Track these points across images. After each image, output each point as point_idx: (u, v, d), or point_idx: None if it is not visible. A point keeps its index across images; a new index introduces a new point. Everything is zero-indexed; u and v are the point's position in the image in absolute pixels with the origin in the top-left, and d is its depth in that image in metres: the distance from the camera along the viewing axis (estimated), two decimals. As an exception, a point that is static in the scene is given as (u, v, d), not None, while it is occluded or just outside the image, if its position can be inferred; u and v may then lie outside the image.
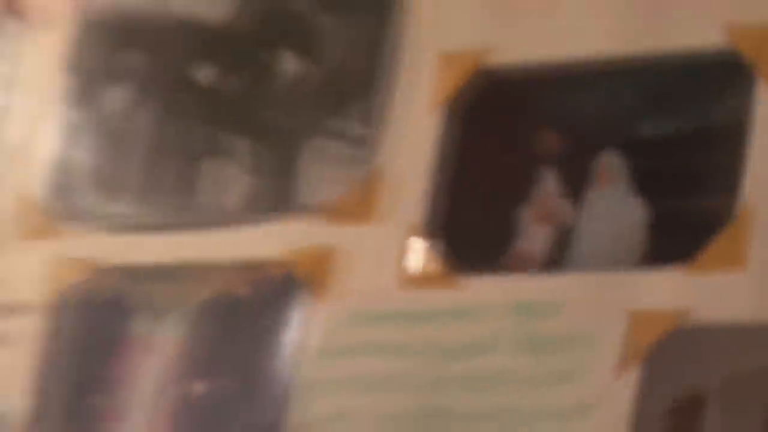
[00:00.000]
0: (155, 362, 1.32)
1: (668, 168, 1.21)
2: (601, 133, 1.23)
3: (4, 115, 1.40)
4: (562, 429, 1.18)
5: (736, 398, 1.13)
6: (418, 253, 1.26)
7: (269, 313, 1.30)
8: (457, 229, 1.27)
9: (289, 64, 1.35)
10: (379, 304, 1.27)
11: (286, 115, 1.34)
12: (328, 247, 1.29)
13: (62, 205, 1.38)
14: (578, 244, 1.22)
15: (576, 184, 1.23)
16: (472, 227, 1.26)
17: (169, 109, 1.37)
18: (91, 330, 1.35)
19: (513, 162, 1.26)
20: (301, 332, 1.28)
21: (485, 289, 1.24)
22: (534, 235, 1.24)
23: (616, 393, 1.16)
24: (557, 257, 1.22)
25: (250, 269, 1.31)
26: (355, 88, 1.32)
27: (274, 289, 1.30)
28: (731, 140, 1.17)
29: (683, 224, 1.19)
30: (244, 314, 1.31)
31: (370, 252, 1.28)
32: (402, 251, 1.27)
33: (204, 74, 1.37)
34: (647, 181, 1.21)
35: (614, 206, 1.22)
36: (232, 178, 1.33)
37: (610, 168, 1.22)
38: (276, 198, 1.32)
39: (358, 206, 1.29)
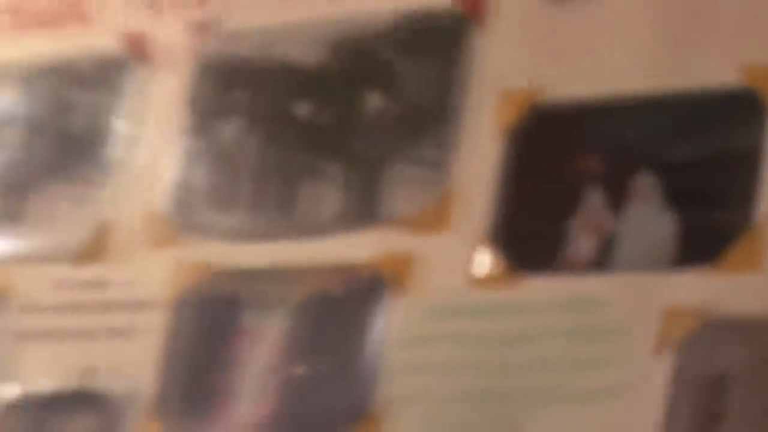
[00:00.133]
0: (263, 350, 1.33)
1: (694, 186, 1.23)
2: (637, 157, 1.25)
3: (134, 144, 1.41)
4: (607, 406, 1.19)
5: (755, 380, 1.14)
6: (483, 258, 1.28)
7: (358, 308, 1.31)
8: (517, 238, 1.28)
9: (373, 100, 1.36)
10: (451, 301, 1.29)
11: (371, 144, 1.35)
12: (408, 253, 1.30)
13: (182, 218, 1.40)
14: (619, 250, 1.23)
15: (617, 200, 1.24)
16: (529, 236, 1.28)
17: (272, 139, 1.39)
18: (208, 323, 1.37)
19: (563, 181, 1.27)
20: (385, 325, 1.30)
21: (540, 288, 1.25)
22: (581, 243, 1.25)
23: (652, 377, 1.17)
24: (601, 261, 1.24)
25: (342, 272, 1.33)
26: (429, 121, 1.33)
27: (362, 289, 1.32)
28: (747, 163, 1.19)
29: (708, 233, 1.20)
30: (337, 310, 1.33)
31: (444, 257, 1.29)
32: (470, 256, 1.28)
33: (301, 110, 1.38)
34: (676, 198, 1.22)
35: (649, 218, 1.23)
36: (326, 196, 1.35)
37: (645, 187, 1.24)
38: (364, 212, 1.33)
39: (433, 219, 1.30)
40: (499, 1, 1.33)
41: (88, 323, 1.41)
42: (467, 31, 1.33)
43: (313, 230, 1.35)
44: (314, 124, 1.38)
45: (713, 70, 1.22)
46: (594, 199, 1.26)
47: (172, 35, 1.45)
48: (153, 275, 1.40)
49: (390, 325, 1.30)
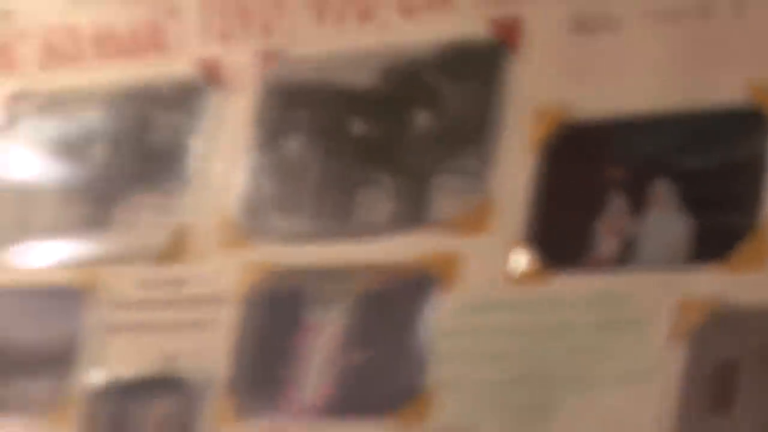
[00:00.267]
0: (323, 340, 1.33)
1: (706, 192, 1.22)
2: (655, 167, 1.24)
3: (208, 158, 1.42)
4: (628, 389, 1.19)
5: (762, 366, 1.14)
6: (519, 257, 1.27)
7: (408, 303, 1.31)
8: (549, 239, 1.27)
9: (420, 119, 1.36)
10: (490, 296, 1.28)
11: (418, 157, 1.35)
12: (452, 253, 1.30)
13: (251, 223, 1.39)
14: (639, 249, 1.23)
15: (637, 205, 1.24)
16: (560, 237, 1.27)
17: (331, 153, 1.39)
18: (274, 317, 1.36)
19: (590, 189, 1.27)
20: (432, 317, 1.29)
21: (569, 284, 1.25)
22: (606, 243, 1.24)
23: (670, 363, 1.17)
24: (623, 259, 1.23)
25: (394, 270, 1.32)
26: (470, 136, 1.33)
27: (411, 285, 1.31)
28: (753, 171, 1.19)
29: (718, 234, 1.19)
30: (389, 304, 1.32)
31: (484, 256, 1.29)
32: (507, 255, 1.28)
33: (356, 127, 1.38)
34: (690, 203, 1.21)
35: (666, 221, 1.23)
36: (379, 202, 1.35)
37: (663, 193, 1.23)
38: (413, 217, 1.33)
39: (474, 222, 1.30)
40: (532, 31, 1.32)
41: (168, 317, 1.41)
42: (503, 57, 1.33)
43: (368, 233, 1.35)
44: (368, 140, 1.38)
45: (722, 89, 1.22)
46: (617, 205, 1.25)
47: (242, 62, 1.45)
48: (225, 274, 1.39)
49: (436, 318, 1.29)
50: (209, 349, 1.37)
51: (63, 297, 1.46)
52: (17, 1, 1.61)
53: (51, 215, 1.51)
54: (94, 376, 1.43)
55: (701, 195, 1.22)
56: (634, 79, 1.27)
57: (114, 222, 1.47)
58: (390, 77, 1.38)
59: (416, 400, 1.27)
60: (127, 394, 1.41)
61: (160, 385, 1.39)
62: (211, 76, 1.46)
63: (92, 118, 1.52)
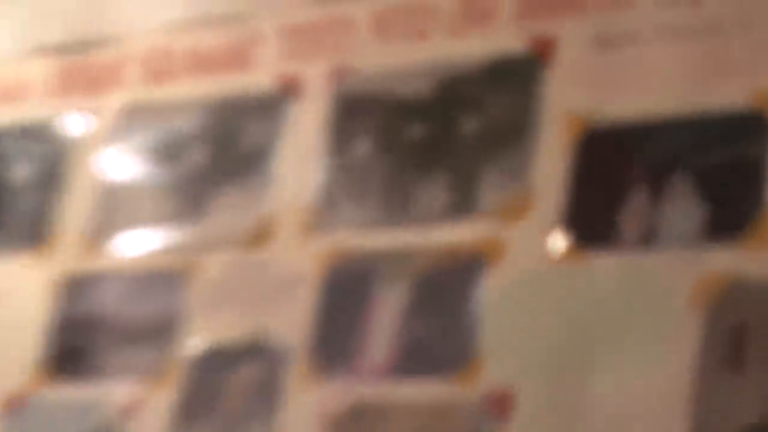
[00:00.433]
0: (389, 314, 1.32)
1: (718, 184, 1.20)
2: (672, 163, 1.23)
3: (288, 159, 1.42)
4: (654, 353, 1.17)
5: None
6: (556, 240, 1.26)
7: (461, 281, 1.29)
8: (582, 224, 1.26)
9: (469, 123, 1.35)
10: (533, 274, 1.26)
11: (467, 155, 1.34)
12: (498, 237, 1.29)
13: (326, 213, 1.39)
14: (661, 233, 1.21)
15: (657, 196, 1.22)
16: (592, 223, 1.25)
17: (392, 153, 1.38)
18: (346, 294, 1.35)
19: (616, 181, 1.25)
20: (482, 294, 1.27)
21: (602, 263, 1.23)
22: (632, 228, 1.23)
23: (690, 329, 1.16)
24: (648, 242, 1.21)
25: (449, 253, 1.31)
26: (511, 137, 1.32)
27: (463, 266, 1.30)
28: (757, 166, 1.18)
29: (730, 218, 1.18)
30: (445, 282, 1.30)
31: (525, 240, 1.27)
32: (546, 239, 1.26)
33: (414, 131, 1.37)
34: (705, 193, 1.20)
35: (683, 208, 1.21)
36: (435, 195, 1.34)
37: (680, 185, 1.22)
38: (464, 207, 1.32)
39: (516, 211, 1.29)
40: (563, 46, 1.31)
41: (255, 294, 1.40)
42: (538, 69, 1.32)
43: (425, 222, 1.33)
44: (424, 142, 1.37)
45: (728, 96, 1.21)
46: (639, 195, 1.23)
47: (315, 77, 1.45)
48: (304, 257, 1.38)
49: (485, 294, 1.28)
50: (290, 322, 1.36)
51: (163, 279, 1.46)
52: (125, 29, 1.61)
53: (153, 209, 1.50)
54: (191, 346, 1.41)
55: (713, 186, 1.21)
56: (652, 88, 1.26)
57: (207, 214, 1.46)
58: (442, 88, 1.37)
59: (469, 365, 1.26)
60: (219, 362, 1.40)
61: (248, 353, 1.38)
62: (289, 89, 1.46)
63: (187, 126, 1.52)
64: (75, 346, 1.48)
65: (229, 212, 1.45)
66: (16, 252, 1.56)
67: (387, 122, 1.39)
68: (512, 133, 1.32)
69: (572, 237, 1.25)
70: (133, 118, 1.56)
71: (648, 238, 1.21)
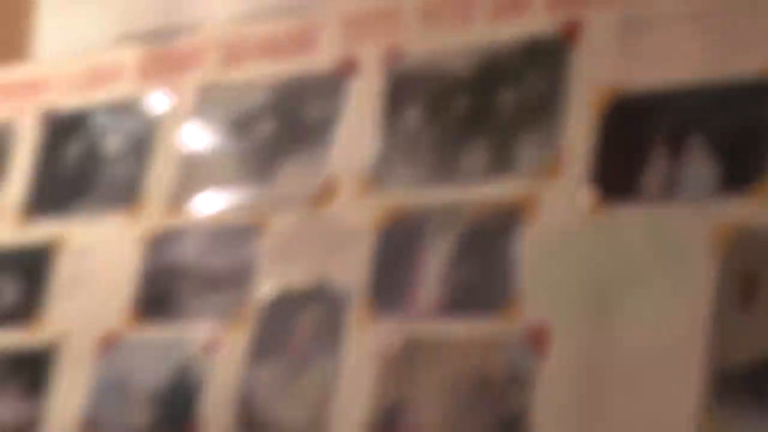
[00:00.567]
0: (437, 260, 1.30)
1: (731, 144, 1.18)
2: (690, 126, 1.20)
3: (348, 128, 1.40)
4: (676, 293, 1.15)
5: None
6: (586, 195, 1.24)
7: (501, 232, 1.27)
8: (608, 181, 1.24)
9: (506, 94, 1.33)
10: (564, 225, 1.24)
11: (506, 123, 1.32)
12: (534, 193, 1.27)
13: (382, 174, 1.37)
14: (680, 187, 1.19)
15: (677, 155, 1.20)
16: (617, 179, 1.23)
17: (439, 122, 1.36)
18: (400, 244, 1.34)
19: (639, 142, 1.23)
20: (521, 243, 1.26)
21: (626, 214, 1.21)
22: (654, 184, 1.21)
23: (706, 273, 1.14)
24: (668, 195, 1.19)
25: (490, 207, 1.29)
26: (545, 107, 1.30)
27: (503, 218, 1.28)
28: (766, 130, 1.16)
29: (743, 173, 1.16)
30: (487, 232, 1.29)
31: (558, 195, 1.25)
32: (576, 194, 1.24)
33: (458, 102, 1.35)
34: (719, 151, 1.18)
35: (700, 165, 1.19)
36: (478, 156, 1.32)
37: (697, 144, 1.20)
38: (503, 167, 1.30)
39: (550, 170, 1.27)
40: (589, 26, 1.29)
41: (320, 245, 1.39)
42: (567, 48, 1.30)
43: (469, 181, 1.32)
44: (467, 111, 1.35)
45: (740, 68, 1.19)
46: (660, 155, 1.21)
47: (371, 57, 1.43)
48: (362, 212, 1.37)
49: (523, 243, 1.26)
50: (350, 270, 1.35)
51: (238, 234, 1.45)
52: (202, 19, 1.60)
53: (228, 174, 1.49)
54: (262, 292, 1.40)
55: (726, 146, 1.18)
56: (671, 63, 1.23)
57: (276, 177, 1.45)
58: (482, 66, 1.35)
59: (509, 304, 1.24)
60: (287, 306, 1.38)
61: (313, 298, 1.37)
62: (348, 70, 1.44)
63: (258, 102, 1.50)
64: (161, 292, 1.48)
65: (295, 176, 1.43)
66: (110, 213, 1.56)
67: (434, 96, 1.37)
68: (545, 104, 1.30)
69: (599, 193, 1.23)
70: (209, 96, 1.55)
71: (668, 193, 1.20)
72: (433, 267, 1.30)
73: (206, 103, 1.54)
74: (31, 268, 1.56)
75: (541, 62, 1.32)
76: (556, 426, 1.18)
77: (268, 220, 1.43)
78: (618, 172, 1.23)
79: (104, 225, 1.54)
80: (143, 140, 1.56)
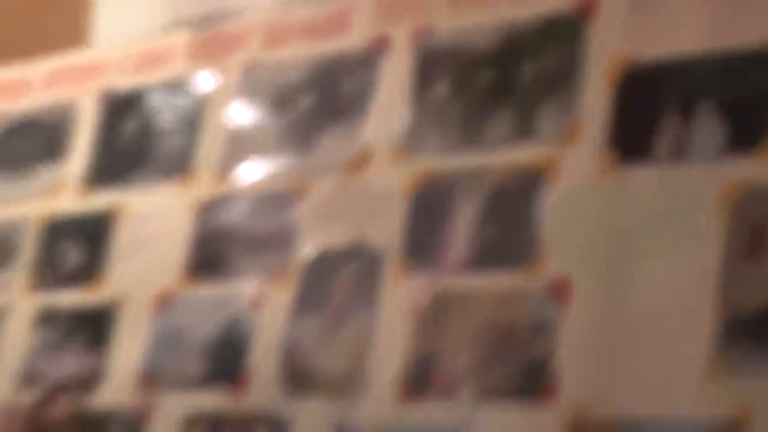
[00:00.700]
0: (466, 220, 1.28)
1: (738, 108, 1.15)
2: (699, 91, 1.18)
3: (380, 101, 1.38)
4: (689, 247, 1.13)
5: None
6: (602, 159, 1.21)
7: (524, 192, 1.25)
8: (623, 145, 1.21)
9: (528, 67, 1.30)
10: (583, 186, 1.22)
11: (527, 93, 1.29)
12: (555, 157, 1.24)
13: (413, 142, 1.35)
14: (690, 149, 1.16)
15: (687, 119, 1.17)
16: (631, 142, 1.20)
17: (466, 93, 1.34)
18: (431, 206, 1.31)
19: (651, 108, 1.20)
20: (543, 203, 1.23)
21: (640, 175, 1.19)
22: (666, 146, 1.18)
23: (715, 229, 1.11)
24: (679, 156, 1.17)
25: (513, 170, 1.27)
26: (564, 77, 1.27)
27: (526, 180, 1.25)
28: None
29: (748, 136, 1.13)
30: (511, 194, 1.27)
31: (578, 160, 1.23)
32: (594, 157, 1.21)
33: (483, 75, 1.33)
34: (727, 115, 1.15)
35: (709, 128, 1.16)
36: (502, 124, 1.29)
37: (706, 109, 1.17)
38: (526, 133, 1.27)
39: (569, 135, 1.24)
40: (603, 3, 1.26)
41: (356, 207, 1.37)
42: (583, 23, 1.27)
43: (494, 147, 1.29)
44: (492, 83, 1.32)
45: (747, 38, 1.16)
46: (671, 119, 1.18)
47: (402, 36, 1.40)
48: (395, 177, 1.34)
49: (545, 203, 1.23)
50: (385, 230, 1.32)
51: (281, 199, 1.43)
52: (245, 5, 1.58)
53: (270, 145, 1.47)
54: (304, 252, 1.38)
55: (734, 109, 1.15)
56: (681, 34, 1.20)
57: (315, 147, 1.43)
58: (505, 41, 1.32)
59: (533, 259, 1.22)
60: (327, 264, 1.36)
61: (351, 257, 1.34)
62: (380, 47, 1.42)
63: (297, 80, 1.48)
64: (211, 254, 1.46)
65: (333, 145, 1.41)
66: (164, 182, 1.54)
67: (461, 70, 1.34)
68: (563, 75, 1.27)
69: (615, 155, 1.20)
70: (253, 75, 1.52)
71: (678, 155, 1.17)
72: (462, 226, 1.27)
73: (250, 81, 1.52)
74: (92, 234, 1.55)
75: (559, 37, 1.29)
76: (578, 370, 1.15)
77: (308, 187, 1.40)
78: (632, 136, 1.20)
79: (159, 194, 1.53)
80: (193, 116, 1.55)
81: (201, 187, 1.50)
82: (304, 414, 1.30)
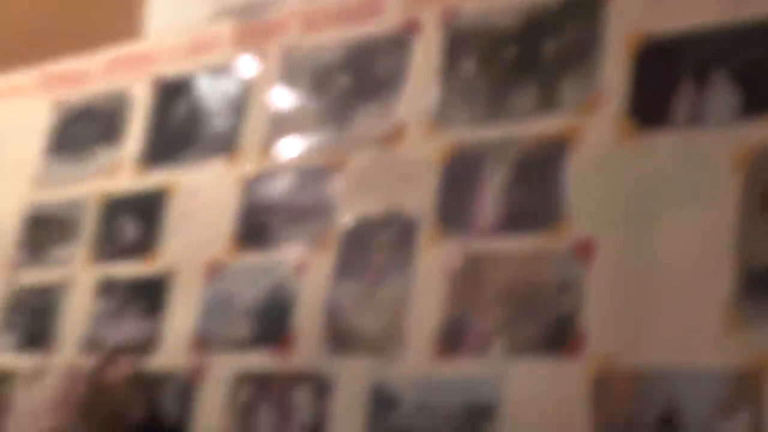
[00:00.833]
0: (494, 187, 1.24)
1: (751, 76, 1.11)
2: (713, 61, 1.13)
3: (411, 79, 1.35)
4: (707, 204, 1.09)
5: None
6: (622, 125, 1.17)
7: (550, 160, 1.21)
8: (642, 112, 1.16)
9: (549, 44, 1.26)
10: (605, 152, 1.18)
11: (550, 67, 1.25)
12: (579, 125, 1.20)
13: (443, 116, 1.31)
14: (705, 115, 1.12)
15: (702, 87, 1.13)
16: (650, 110, 1.16)
17: (493, 69, 1.30)
18: (461, 175, 1.27)
19: (668, 80, 1.16)
20: (567, 169, 1.19)
21: (659, 140, 1.15)
22: (682, 112, 1.14)
23: (731, 189, 1.08)
24: (695, 122, 1.13)
25: (539, 139, 1.23)
26: (585, 52, 1.23)
27: (552, 149, 1.21)
28: None
29: (760, 102, 1.09)
30: (537, 162, 1.22)
31: (600, 128, 1.18)
32: (616, 127, 1.17)
33: (508, 51, 1.29)
34: (740, 83, 1.11)
35: (723, 95, 1.12)
36: (526, 97, 1.25)
37: (720, 77, 1.12)
38: (550, 105, 1.23)
39: (591, 105, 1.20)
40: None
41: (392, 176, 1.33)
42: (602, 0, 1.23)
43: (520, 118, 1.25)
44: (517, 59, 1.28)
45: (756, 9, 1.12)
46: (688, 87, 1.14)
47: (431, 18, 1.36)
48: (427, 149, 1.31)
49: (569, 169, 1.19)
50: (419, 198, 1.28)
51: (321, 172, 1.40)
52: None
53: (312, 122, 1.43)
54: (344, 220, 1.35)
55: (747, 77, 1.11)
56: (693, 10, 1.16)
57: (351, 123, 1.39)
58: (528, 20, 1.28)
59: (558, 221, 1.18)
60: (365, 232, 1.33)
61: (387, 224, 1.31)
62: (411, 29, 1.38)
63: (334, 61, 1.44)
64: (257, 225, 1.43)
65: (368, 121, 1.37)
66: (212, 160, 1.51)
67: (486, 48, 1.30)
68: (584, 50, 1.22)
69: (634, 123, 1.16)
70: (292, 58, 1.49)
71: (695, 121, 1.12)
72: (491, 193, 1.23)
73: (290, 65, 1.48)
74: (147, 209, 1.53)
75: (580, 15, 1.24)
76: (603, 324, 1.11)
77: (345, 160, 1.37)
78: (650, 105, 1.16)
79: (207, 171, 1.50)
80: (238, 98, 1.51)
81: (246, 163, 1.46)
82: (346, 371, 1.26)
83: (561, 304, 1.14)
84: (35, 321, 1.57)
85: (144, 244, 1.52)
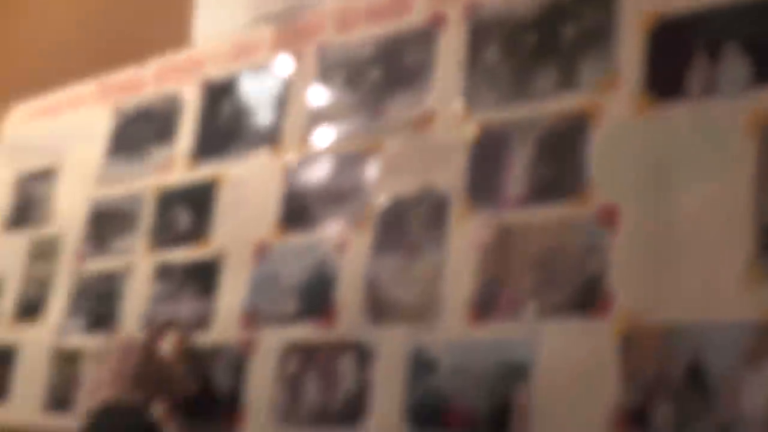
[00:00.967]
0: (520, 164, 1.19)
1: (763, 46, 1.05)
2: (726, 35, 1.07)
3: (438, 69, 1.29)
4: (723, 174, 1.03)
5: None
6: (640, 100, 1.11)
7: (573, 135, 1.16)
8: (658, 85, 1.11)
9: (567, 28, 1.20)
10: (623, 125, 1.12)
11: (569, 51, 1.19)
12: (599, 101, 1.14)
13: (470, 100, 1.25)
14: (718, 86, 1.06)
15: (714, 60, 1.07)
16: (665, 83, 1.10)
17: (514, 53, 1.24)
18: (489, 153, 1.22)
19: (682, 52, 1.10)
20: (590, 142, 1.14)
21: (674, 111, 1.09)
22: (696, 84, 1.08)
23: (746, 155, 1.02)
24: (708, 92, 1.07)
25: (560, 115, 1.17)
26: (601, 33, 1.17)
27: (574, 125, 1.16)
28: None
29: None
30: (561, 137, 1.17)
31: (619, 103, 1.12)
32: (630, 98, 1.12)
33: (528, 38, 1.23)
34: (750, 55, 1.05)
35: (734, 67, 1.06)
36: (546, 78, 1.20)
37: (731, 50, 1.07)
38: (569, 85, 1.17)
39: (608, 84, 1.14)
40: None
41: (424, 160, 1.27)
42: None
43: (543, 97, 1.19)
44: (537, 44, 1.22)
45: None
46: (701, 60, 1.08)
47: (454, 12, 1.32)
48: (456, 131, 1.25)
49: (591, 142, 1.14)
50: (451, 176, 1.23)
51: (357, 157, 1.34)
52: (319, -1, 1.50)
53: (347, 112, 1.38)
54: (381, 200, 1.29)
55: (756, 49, 1.05)
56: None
57: (386, 111, 1.33)
58: (547, 7, 1.22)
59: (582, 190, 1.12)
60: (400, 210, 1.27)
61: (421, 201, 1.25)
62: (438, 23, 1.32)
63: (366, 56, 1.38)
64: (299, 208, 1.38)
65: (400, 108, 1.32)
66: (256, 152, 1.46)
67: (508, 35, 1.25)
68: (601, 32, 1.16)
69: (651, 96, 1.10)
70: (327, 55, 1.44)
71: (709, 91, 1.06)
72: (518, 168, 1.18)
73: (325, 62, 1.44)
74: (199, 199, 1.49)
75: (595, 0, 1.19)
76: (629, 284, 1.05)
77: (380, 144, 1.31)
78: (665, 79, 1.10)
79: (252, 162, 1.45)
80: (278, 95, 1.47)
81: (287, 153, 1.42)
82: (386, 339, 1.21)
83: (588, 267, 1.08)
84: (100, 305, 1.54)
85: (197, 231, 1.48)
